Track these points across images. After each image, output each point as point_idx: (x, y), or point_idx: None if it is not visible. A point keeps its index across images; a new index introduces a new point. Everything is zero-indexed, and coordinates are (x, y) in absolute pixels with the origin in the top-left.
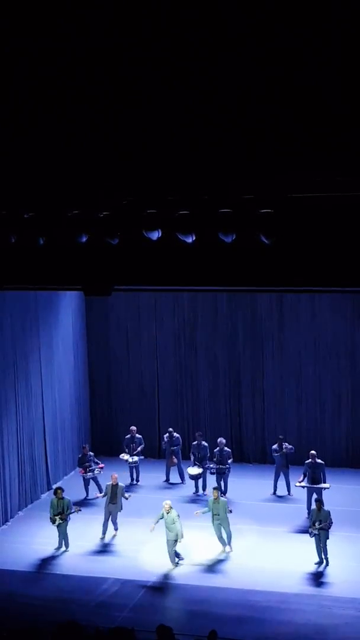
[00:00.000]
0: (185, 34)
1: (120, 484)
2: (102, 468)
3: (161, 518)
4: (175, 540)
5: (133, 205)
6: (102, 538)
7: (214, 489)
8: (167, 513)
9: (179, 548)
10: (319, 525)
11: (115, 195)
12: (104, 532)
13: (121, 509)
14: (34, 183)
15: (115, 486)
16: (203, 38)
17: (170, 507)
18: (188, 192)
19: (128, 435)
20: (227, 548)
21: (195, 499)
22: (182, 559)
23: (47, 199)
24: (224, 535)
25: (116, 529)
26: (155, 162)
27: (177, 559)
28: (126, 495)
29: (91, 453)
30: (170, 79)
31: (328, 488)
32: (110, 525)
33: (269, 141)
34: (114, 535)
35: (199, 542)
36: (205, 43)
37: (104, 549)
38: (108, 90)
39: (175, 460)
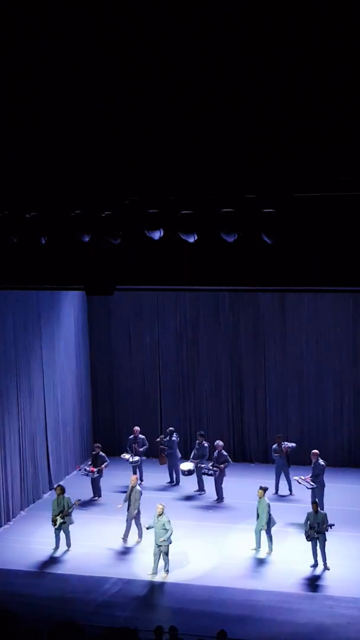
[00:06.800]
0: (187, 33)
1: (137, 487)
2: (92, 472)
3: (152, 526)
4: (160, 546)
5: (135, 204)
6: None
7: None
8: (159, 516)
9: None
10: (317, 528)
11: (117, 195)
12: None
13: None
14: (36, 183)
15: (132, 489)
16: (205, 37)
17: (163, 511)
18: (190, 191)
19: (131, 436)
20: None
21: (196, 496)
22: (167, 572)
23: (49, 198)
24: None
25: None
26: (157, 162)
27: (164, 568)
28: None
29: (102, 453)
30: (172, 78)
31: (312, 487)
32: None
33: (271, 141)
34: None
35: (199, 542)
36: (207, 43)
37: (106, 549)
38: (110, 90)
39: (165, 459)
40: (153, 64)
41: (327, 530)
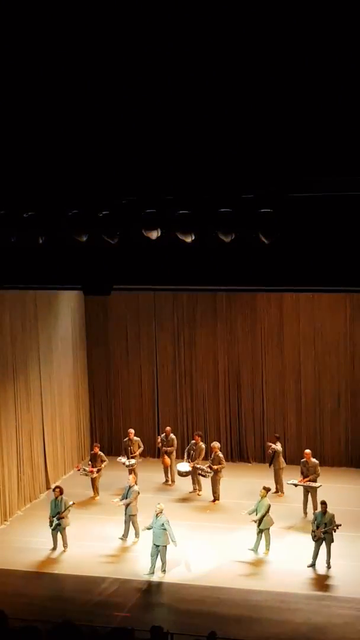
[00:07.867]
0: (185, 31)
1: (135, 487)
2: (91, 472)
3: (150, 528)
4: (158, 546)
5: (132, 204)
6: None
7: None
8: (158, 516)
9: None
10: (324, 528)
11: (114, 195)
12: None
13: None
14: (34, 182)
15: (130, 488)
16: (204, 37)
17: (162, 511)
18: (187, 191)
19: (126, 438)
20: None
21: (193, 497)
22: (164, 572)
23: (46, 198)
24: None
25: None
26: (154, 161)
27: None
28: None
29: (101, 453)
30: (170, 78)
31: (317, 487)
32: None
33: (268, 141)
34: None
35: (197, 543)
36: (205, 42)
37: (103, 548)
38: (108, 89)
39: (168, 461)
40: (152, 63)
41: (334, 530)
